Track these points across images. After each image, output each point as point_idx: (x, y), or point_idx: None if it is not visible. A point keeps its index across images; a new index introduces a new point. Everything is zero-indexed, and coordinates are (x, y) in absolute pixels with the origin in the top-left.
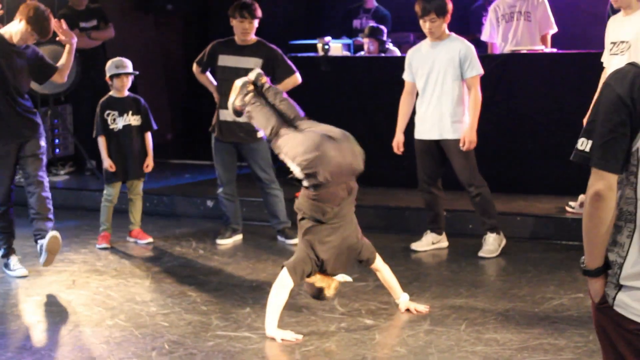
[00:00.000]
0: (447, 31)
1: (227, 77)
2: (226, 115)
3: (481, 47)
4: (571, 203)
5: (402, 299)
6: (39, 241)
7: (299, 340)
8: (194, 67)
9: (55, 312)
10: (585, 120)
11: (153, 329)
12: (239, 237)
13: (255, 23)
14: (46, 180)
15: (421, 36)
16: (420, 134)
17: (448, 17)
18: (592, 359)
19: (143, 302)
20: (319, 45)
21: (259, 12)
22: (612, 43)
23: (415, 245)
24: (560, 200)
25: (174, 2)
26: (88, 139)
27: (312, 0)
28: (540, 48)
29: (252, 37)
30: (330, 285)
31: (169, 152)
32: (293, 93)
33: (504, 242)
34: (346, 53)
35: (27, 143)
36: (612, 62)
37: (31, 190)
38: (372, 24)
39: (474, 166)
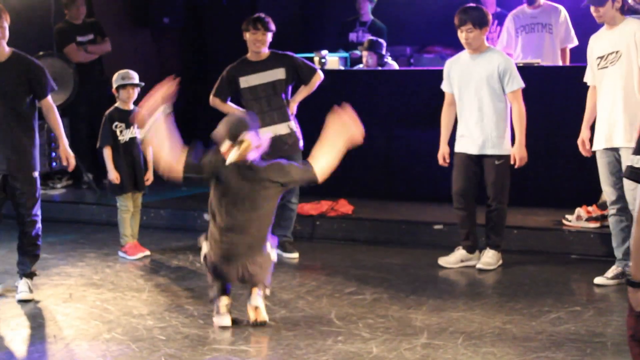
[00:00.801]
0: (486, 43)
1: (255, 96)
2: (267, 133)
3: None
4: (568, 216)
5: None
6: (20, 277)
7: None
8: (212, 100)
9: (52, 326)
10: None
11: (150, 342)
12: None
13: (269, 36)
14: (39, 218)
15: (419, 49)
16: (461, 147)
17: (486, 29)
18: None
19: (140, 315)
20: (316, 59)
21: (273, 26)
22: (599, 58)
23: (443, 261)
24: (557, 214)
25: (171, 16)
26: (85, 152)
27: (307, 14)
28: (533, 61)
29: (265, 51)
30: None
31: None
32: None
33: (500, 261)
34: (341, 67)
35: (20, 173)
36: (604, 76)
37: (23, 230)
38: (370, 37)
39: (506, 184)
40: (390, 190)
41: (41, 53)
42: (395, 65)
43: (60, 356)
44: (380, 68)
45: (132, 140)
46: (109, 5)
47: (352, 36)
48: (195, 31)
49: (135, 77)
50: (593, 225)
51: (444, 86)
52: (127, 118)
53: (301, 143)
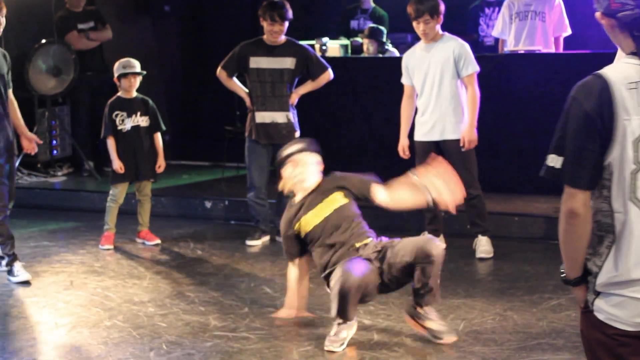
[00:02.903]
0: (440, 31)
1: (262, 79)
2: (264, 117)
3: (478, 47)
4: None
5: None
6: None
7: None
8: (219, 72)
9: (53, 313)
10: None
11: (151, 329)
12: (267, 239)
13: (286, 25)
14: None
15: (419, 37)
16: (421, 136)
17: (441, 18)
18: None
19: (141, 302)
20: (317, 46)
21: (290, 14)
22: None
23: None
24: (558, 201)
25: (172, 3)
26: (85, 139)
27: (309, 1)
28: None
29: (281, 38)
30: None
31: (166, 153)
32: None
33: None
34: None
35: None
36: None
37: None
38: (371, 24)
39: (474, 168)
40: (392, 176)
41: (43, 41)
42: (396, 53)
43: (62, 343)
44: (381, 55)
45: (135, 129)
46: None
47: (354, 23)
48: (196, 18)
49: (136, 65)
50: None
51: (403, 79)
52: (129, 107)
53: (297, 133)
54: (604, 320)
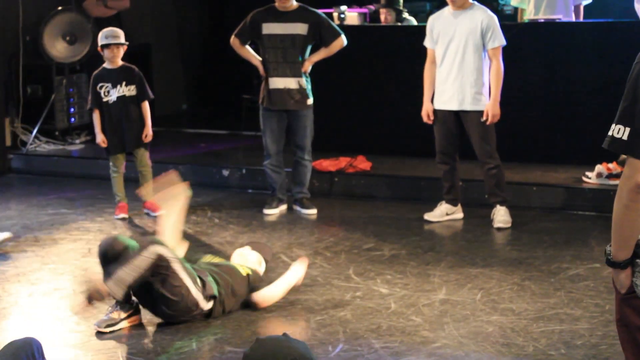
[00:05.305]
0: None
1: (273, 45)
2: (276, 83)
3: (497, 16)
4: (588, 173)
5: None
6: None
7: None
8: (233, 40)
9: (71, 280)
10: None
11: None
12: (284, 207)
13: None
14: None
15: (439, 5)
16: (440, 104)
17: None
18: (607, 329)
19: None
20: (335, 15)
21: None
22: None
23: (428, 216)
24: (577, 171)
25: None
26: None
27: None
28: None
29: (293, 3)
30: None
31: (184, 121)
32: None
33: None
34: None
35: None
36: None
37: None
38: None
39: (493, 139)
40: (409, 146)
41: (60, 8)
42: (414, 21)
43: (79, 309)
44: (399, 24)
45: (121, 99)
46: None
47: None
48: None
49: (120, 35)
50: (613, 182)
51: (427, 42)
52: (113, 77)
53: (310, 101)
54: None
